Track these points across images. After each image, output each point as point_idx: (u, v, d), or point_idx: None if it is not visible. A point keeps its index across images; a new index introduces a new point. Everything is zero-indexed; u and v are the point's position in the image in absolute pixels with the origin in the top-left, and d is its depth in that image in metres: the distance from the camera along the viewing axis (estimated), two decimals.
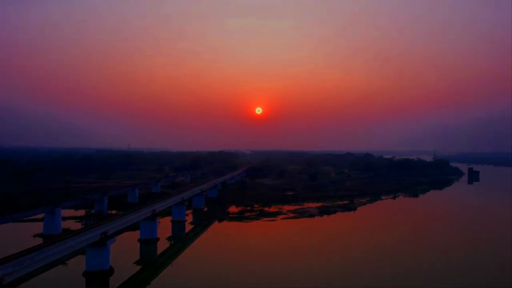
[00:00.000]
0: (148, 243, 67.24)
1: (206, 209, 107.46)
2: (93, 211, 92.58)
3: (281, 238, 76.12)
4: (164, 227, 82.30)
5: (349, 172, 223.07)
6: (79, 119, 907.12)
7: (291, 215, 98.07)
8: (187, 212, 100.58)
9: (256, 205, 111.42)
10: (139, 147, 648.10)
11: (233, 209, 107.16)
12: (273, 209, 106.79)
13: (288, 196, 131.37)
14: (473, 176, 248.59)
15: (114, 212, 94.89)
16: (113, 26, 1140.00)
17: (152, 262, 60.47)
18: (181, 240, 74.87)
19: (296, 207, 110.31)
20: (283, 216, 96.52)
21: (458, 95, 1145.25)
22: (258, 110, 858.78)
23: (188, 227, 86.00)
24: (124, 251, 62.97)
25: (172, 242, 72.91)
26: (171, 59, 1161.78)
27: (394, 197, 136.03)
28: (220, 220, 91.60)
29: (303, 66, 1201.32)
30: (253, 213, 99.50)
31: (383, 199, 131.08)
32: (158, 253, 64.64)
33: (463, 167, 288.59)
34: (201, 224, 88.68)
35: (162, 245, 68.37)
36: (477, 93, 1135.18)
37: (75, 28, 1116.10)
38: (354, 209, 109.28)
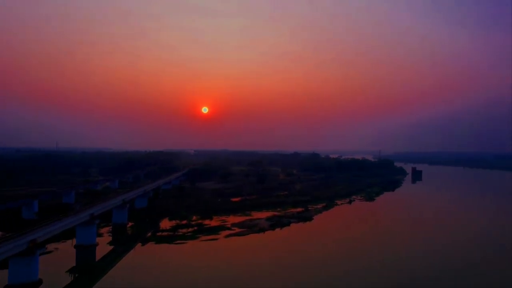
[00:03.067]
0: None
1: (130, 225, 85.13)
2: None
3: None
4: (64, 256, 59.92)
5: (299, 174, 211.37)
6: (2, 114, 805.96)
7: (237, 230, 79.79)
8: (104, 230, 78.37)
9: (194, 217, 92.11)
10: (72, 146, 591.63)
11: (165, 223, 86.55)
12: (214, 222, 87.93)
13: (234, 203, 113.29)
14: (416, 176, 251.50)
15: None
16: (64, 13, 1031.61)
17: None
18: (80, 277, 52.99)
19: (243, 218, 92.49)
20: (226, 232, 77.81)
21: (395, 101, 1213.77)
22: (205, 110, 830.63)
23: (104, 251, 63.85)
24: None
25: (74, 275, 51.35)
26: (117, 55, 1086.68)
27: (350, 202, 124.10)
28: (145, 242, 70.32)
29: (251, 67, 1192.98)
30: (189, 229, 79.70)
31: (339, 204, 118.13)
32: None
33: (404, 166, 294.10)
34: (119, 249, 66.84)
35: None
36: (413, 100, 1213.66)
37: (27, 19, 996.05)
38: (310, 218, 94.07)
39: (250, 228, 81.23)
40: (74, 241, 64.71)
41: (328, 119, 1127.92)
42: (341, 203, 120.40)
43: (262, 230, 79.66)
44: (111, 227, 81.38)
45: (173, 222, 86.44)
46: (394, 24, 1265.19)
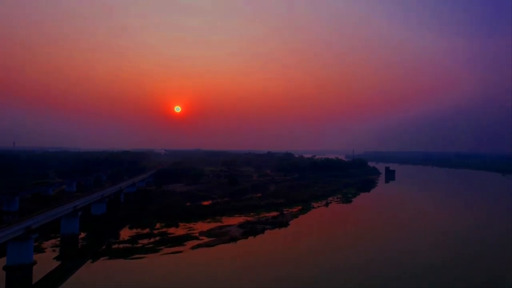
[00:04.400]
0: None
1: (82, 235, 74.42)
2: None
3: None
4: None
5: (273, 174, 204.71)
6: None
7: (205, 239, 71.19)
8: (49, 243, 67.68)
9: (158, 225, 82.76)
10: (34, 146, 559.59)
11: (125, 232, 76.64)
12: (181, 230, 78.95)
13: (203, 208, 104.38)
14: (390, 175, 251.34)
15: None
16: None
17: None
18: None
19: (213, 225, 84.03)
20: (193, 242, 68.98)
21: (366, 103, 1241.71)
22: (177, 109, 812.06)
23: (44, 271, 53.29)
24: None
25: None
26: (81, 52, 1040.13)
27: (327, 204, 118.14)
28: (96, 257, 60.28)
29: (226, 66, 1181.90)
30: (151, 239, 70.33)
31: (315, 207, 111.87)
32: None
33: (376, 166, 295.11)
34: (63, 267, 56.65)
35: None
36: (383, 102, 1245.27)
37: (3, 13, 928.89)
38: (286, 224, 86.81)
39: (220, 237, 72.88)
40: (5, 260, 53.79)
41: (301, 119, 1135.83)
42: (318, 206, 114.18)
43: (233, 239, 71.44)
44: (60, 239, 70.63)
45: (134, 231, 76.79)
46: (372, 27, 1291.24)
